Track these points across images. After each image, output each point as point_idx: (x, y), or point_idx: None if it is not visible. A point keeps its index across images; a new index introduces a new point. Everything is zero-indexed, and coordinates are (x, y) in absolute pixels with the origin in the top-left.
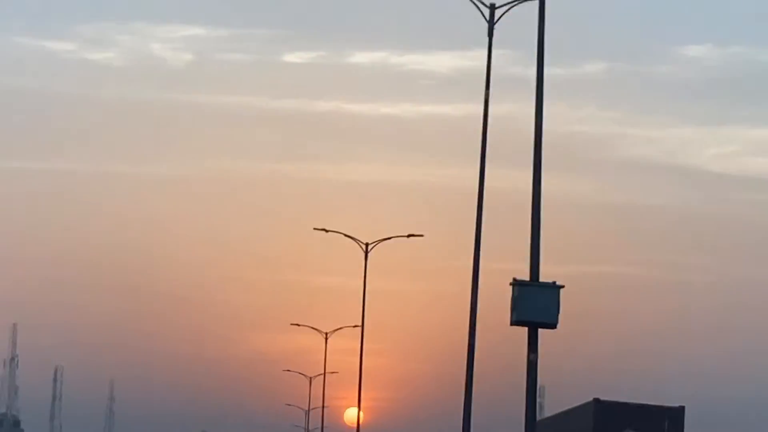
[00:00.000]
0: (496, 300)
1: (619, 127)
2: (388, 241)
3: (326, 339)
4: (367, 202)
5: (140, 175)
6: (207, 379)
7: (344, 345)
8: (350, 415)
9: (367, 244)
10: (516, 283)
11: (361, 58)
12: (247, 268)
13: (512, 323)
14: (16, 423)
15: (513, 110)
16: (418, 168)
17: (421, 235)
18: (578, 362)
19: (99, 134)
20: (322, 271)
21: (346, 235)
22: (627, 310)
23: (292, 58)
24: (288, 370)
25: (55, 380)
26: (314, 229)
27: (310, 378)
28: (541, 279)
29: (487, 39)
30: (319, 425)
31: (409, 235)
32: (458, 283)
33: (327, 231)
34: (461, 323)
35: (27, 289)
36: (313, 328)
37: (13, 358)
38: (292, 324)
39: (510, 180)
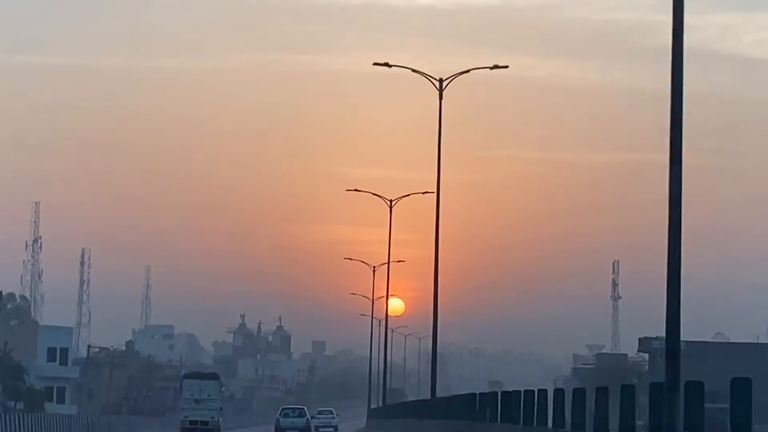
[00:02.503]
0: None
1: (655, 13)
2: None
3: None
4: (401, 92)
5: (174, 68)
6: (246, 268)
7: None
8: (391, 305)
9: (441, 80)
10: None
11: None
12: (288, 160)
13: None
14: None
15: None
16: (455, 57)
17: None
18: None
19: (132, 29)
20: (361, 164)
21: (413, 70)
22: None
23: None
24: (349, 258)
25: (82, 264)
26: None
27: (374, 267)
28: (578, 169)
29: None
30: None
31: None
32: (491, 174)
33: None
34: (497, 214)
35: (52, 169)
36: (374, 194)
37: (36, 240)
38: (348, 190)
39: (540, 68)
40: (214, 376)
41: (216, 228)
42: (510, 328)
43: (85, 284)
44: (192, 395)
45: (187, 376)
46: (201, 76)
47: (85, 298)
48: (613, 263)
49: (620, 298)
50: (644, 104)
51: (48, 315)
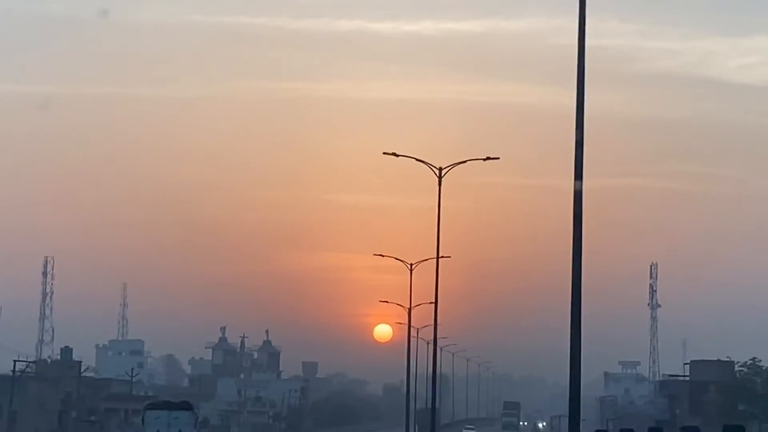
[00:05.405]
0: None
1: (641, 40)
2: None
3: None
4: (389, 119)
5: (158, 96)
6: (230, 285)
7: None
8: (379, 331)
9: (440, 169)
10: None
11: None
12: (272, 189)
13: None
14: None
15: (533, 25)
16: (440, 84)
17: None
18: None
19: (118, 57)
20: (340, 188)
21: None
22: (652, 220)
23: None
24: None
25: (44, 274)
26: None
27: (411, 264)
28: (566, 193)
29: None
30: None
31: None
32: (485, 201)
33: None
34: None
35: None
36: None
37: None
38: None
39: (534, 94)
40: (185, 406)
41: (195, 247)
42: (510, 351)
43: (48, 297)
44: (158, 430)
45: (151, 406)
46: (184, 103)
47: (47, 312)
48: (651, 266)
49: (659, 306)
50: (628, 130)
51: (6, 331)
